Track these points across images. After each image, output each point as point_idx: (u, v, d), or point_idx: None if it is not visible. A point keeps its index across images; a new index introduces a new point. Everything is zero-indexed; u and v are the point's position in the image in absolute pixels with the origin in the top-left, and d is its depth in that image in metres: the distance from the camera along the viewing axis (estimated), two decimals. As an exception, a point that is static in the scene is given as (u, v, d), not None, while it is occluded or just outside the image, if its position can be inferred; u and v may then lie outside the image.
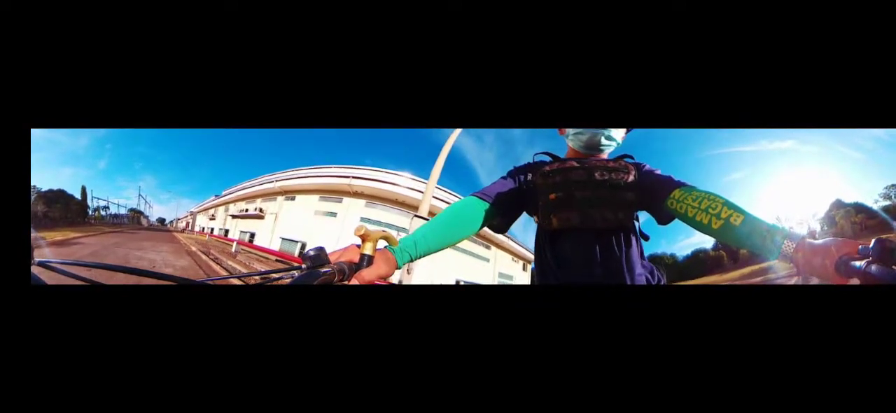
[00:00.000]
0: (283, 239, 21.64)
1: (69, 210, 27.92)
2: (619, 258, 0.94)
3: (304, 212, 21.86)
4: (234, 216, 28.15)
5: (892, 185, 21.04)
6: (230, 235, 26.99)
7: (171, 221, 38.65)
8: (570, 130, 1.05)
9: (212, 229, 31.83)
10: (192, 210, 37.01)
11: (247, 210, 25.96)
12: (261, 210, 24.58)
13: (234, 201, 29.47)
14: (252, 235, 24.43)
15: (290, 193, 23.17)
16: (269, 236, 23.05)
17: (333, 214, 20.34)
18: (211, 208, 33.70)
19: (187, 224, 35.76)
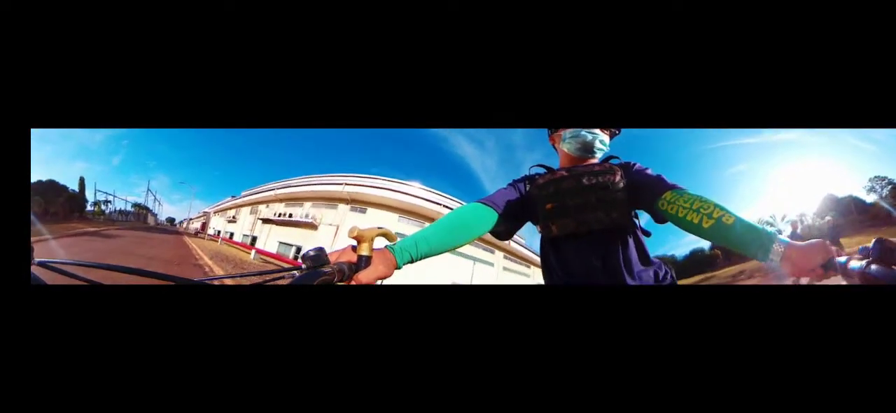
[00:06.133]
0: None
1: (54, 203, 22.00)
2: (617, 257, 0.97)
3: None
4: (266, 221, 22.19)
5: (876, 177, 20.04)
6: (257, 245, 20.93)
7: (182, 222, 33.06)
8: (567, 135, 1.08)
9: (231, 234, 25.88)
10: (207, 210, 31.24)
11: (290, 215, 20.14)
12: (314, 218, 18.74)
13: (266, 202, 23.49)
14: (298, 250, 18.55)
15: (360, 204, 17.47)
16: (324, 253, 17.10)
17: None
18: (232, 209, 27.84)
19: (202, 225, 30.00)
